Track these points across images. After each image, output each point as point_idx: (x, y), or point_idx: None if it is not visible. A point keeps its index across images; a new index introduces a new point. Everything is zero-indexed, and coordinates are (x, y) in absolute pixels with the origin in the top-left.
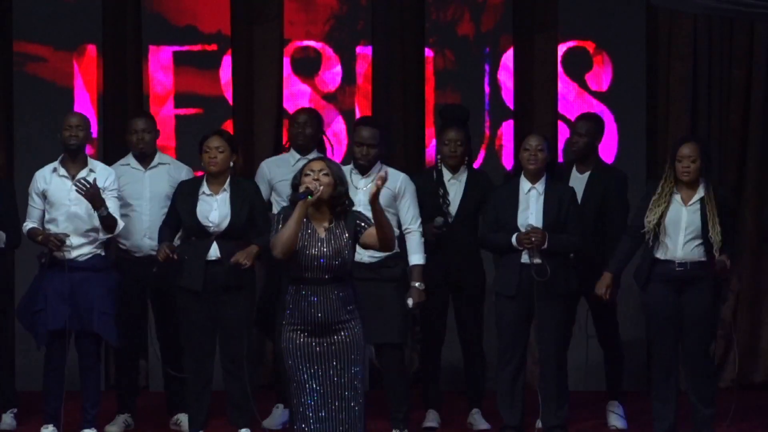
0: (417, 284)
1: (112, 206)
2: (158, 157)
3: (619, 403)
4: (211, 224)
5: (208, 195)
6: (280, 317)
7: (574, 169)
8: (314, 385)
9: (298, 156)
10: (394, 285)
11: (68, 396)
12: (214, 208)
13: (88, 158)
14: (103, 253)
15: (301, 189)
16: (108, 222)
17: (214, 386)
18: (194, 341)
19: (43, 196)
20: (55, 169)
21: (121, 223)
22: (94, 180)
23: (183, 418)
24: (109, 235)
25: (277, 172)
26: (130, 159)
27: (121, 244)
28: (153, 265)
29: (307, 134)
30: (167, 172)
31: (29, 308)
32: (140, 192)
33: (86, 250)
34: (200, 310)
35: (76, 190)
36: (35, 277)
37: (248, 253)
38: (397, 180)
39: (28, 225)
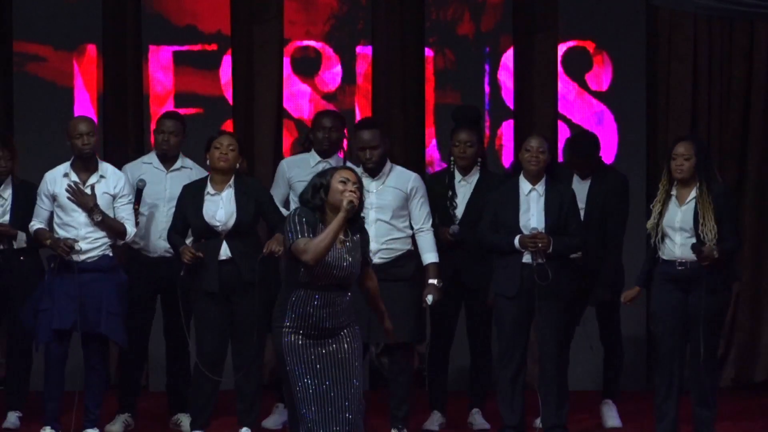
0: (435, 281)
1: (125, 214)
2: (181, 161)
3: (613, 402)
4: (218, 223)
5: (212, 194)
6: (276, 321)
7: (575, 175)
8: (314, 388)
9: (318, 158)
10: (405, 284)
11: (70, 396)
12: (220, 207)
13: (99, 162)
14: (110, 254)
15: (346, 201)
16: (112, 229)
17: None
18: (208, 342)
19: (53, 198)
20: (66, 174)
21: (131, 230)
22: (92, 186)
23: (183, 418)
24: (122, 242)
25: (296, 172)
26: (153, 158)
27: (135, 243)
28: (180, 270)
29: (333, 139)
30: (188, 177)
31: (34, 308)
32: (160, 193)
33: (95, 252)
34: (216, 311)
35: (67, 197)
36: (44, 279)
37: (278, 240)
38: (408, 181)
39: (35, 225)
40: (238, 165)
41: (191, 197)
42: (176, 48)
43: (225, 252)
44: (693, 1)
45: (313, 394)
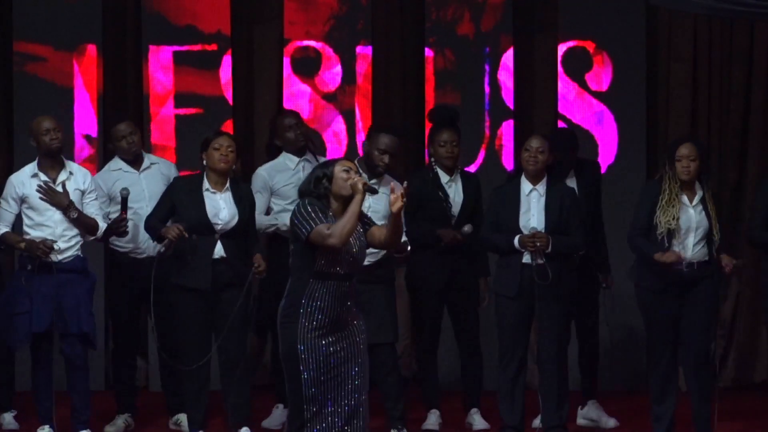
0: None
1: (94, 209)
2: (147, 158)
3: (597, 401)
4: (220, 222)
5: (213, 192)
6: (287, 317)
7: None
8: (326, 384)
9: (296, 159)
10: (385, 286)
11: (65, 396)
12: (223, 207)
13: (64, 160)
14: (81, 254)
15: (361, 184)
16: (86, 225)
17: (212, 386)
18: (192, 340)
19: (22, 201)
20: (34, 174)
21: (102, 225)
22: (63, 184)
23: (183, 418)
24: (92, 238)
25: (280, 178)
26: (119, 163)
27: (122, 246)
28: (165, 267)
29: (303, 133)
30: (160, 171)
31: (6, 311)
32: (139, 194)
33: (70, 252)
34: (200, 308)
35: (40, 198)
36: (12, 279)
37: (262, 260)
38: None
39: (1, 229)
40: (234, 167)
41: (186, 192)
42: (176, 48)
43: (219, 251)
44: (693, 1)
45: (325, 391)
